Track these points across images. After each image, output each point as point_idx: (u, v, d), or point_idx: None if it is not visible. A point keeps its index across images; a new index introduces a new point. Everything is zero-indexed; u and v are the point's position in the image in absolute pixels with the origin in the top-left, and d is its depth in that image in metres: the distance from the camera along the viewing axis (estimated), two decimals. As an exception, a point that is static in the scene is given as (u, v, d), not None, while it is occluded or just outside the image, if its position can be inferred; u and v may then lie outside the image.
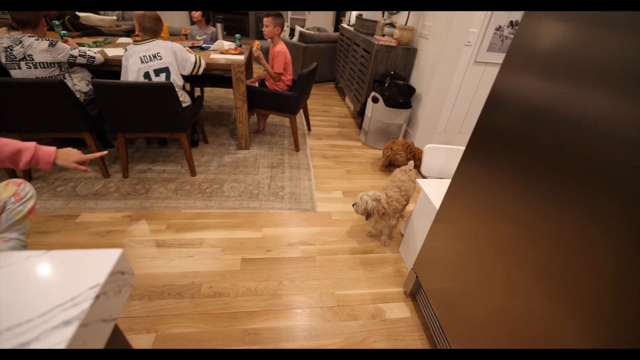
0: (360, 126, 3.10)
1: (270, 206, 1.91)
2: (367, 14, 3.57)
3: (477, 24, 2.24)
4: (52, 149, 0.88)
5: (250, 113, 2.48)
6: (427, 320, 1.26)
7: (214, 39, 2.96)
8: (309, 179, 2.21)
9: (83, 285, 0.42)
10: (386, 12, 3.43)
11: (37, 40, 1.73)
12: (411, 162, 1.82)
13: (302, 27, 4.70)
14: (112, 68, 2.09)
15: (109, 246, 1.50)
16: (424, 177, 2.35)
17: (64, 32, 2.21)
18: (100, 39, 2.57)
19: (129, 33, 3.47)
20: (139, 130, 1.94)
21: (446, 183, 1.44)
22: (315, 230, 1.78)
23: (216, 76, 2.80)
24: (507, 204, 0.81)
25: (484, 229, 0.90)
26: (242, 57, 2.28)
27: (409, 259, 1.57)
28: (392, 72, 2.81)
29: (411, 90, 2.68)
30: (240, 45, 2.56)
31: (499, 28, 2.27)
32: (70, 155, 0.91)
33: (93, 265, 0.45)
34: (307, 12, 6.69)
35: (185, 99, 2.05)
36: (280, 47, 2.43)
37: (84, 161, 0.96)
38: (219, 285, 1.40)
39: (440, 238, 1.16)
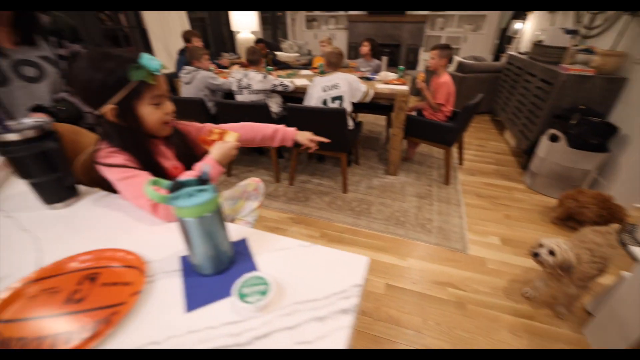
0: (524, 166, 2.67)
1: (417, 237, 1.85)
2: (550, 40, 3.08)
3: None
4: (293, 129, 1.17)
5: (402, 140, 2.53)
6: None
7: (377, 70, 3.20)
8: (459, 216, 2.04)
9: (348, 282, 0.50)
10: (580, 36, 2.90)
11: (256, 73, 2.31)
12: (615, 226, 1.42)
13: (456, 56, 4.52)
14: (295, 94, 2.55)
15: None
16: (626, 244, 1.79)
17: (269, 67, 2.87)
18: (291, 71, 3.21)
19: (306, 66, 4.20)
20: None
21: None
22: (465, 275, 1.61)
23: (372, 104, 3.01)
24: None
25: None
26: (405, 88, 2.37)
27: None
28: (581, 107, 2.32)
29: (611, 130, 2.13)
30: (402, 76, 2.67)
31: None
32: (305, 134, 1.18)
33: (350, 266, 0.54)
34: (462, 41, 6.42)
35: (350, 123, 2.28)
36: (445, 78, 2.40)
37: (313, 140, 1.19)
38: (362, 304, 1.44)
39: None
